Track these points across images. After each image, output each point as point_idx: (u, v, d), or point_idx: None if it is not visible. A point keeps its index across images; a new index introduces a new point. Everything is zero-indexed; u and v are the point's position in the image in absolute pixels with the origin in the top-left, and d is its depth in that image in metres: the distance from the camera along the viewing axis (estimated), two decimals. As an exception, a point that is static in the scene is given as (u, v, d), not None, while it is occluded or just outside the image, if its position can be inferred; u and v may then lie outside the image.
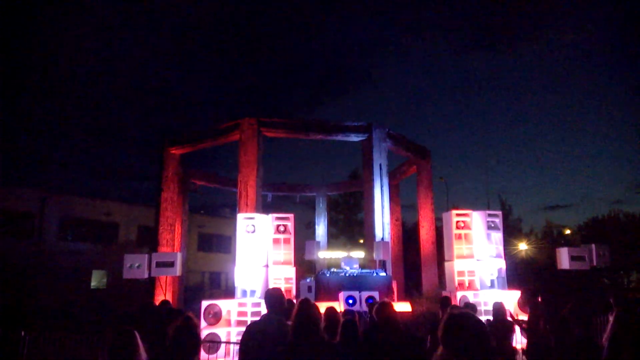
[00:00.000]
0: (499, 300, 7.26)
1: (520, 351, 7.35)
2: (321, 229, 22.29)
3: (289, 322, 3.55)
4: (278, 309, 4.17)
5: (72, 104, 75.99)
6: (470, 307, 7.31)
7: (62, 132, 74.35)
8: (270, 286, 10.16)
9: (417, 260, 17.33)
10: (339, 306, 9.69)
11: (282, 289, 9.44)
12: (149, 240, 23.13)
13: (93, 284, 26.26)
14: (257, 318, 4.78)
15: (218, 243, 33.29)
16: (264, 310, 9.40)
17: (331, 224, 29.28)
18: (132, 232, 28.58)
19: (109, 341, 2.62)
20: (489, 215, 10.88)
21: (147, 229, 26.21)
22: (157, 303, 9.84)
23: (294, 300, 7.30)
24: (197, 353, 2.88)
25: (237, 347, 8.55)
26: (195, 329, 3.06)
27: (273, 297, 4.26)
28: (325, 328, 3.96)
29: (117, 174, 72.72)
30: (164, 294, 10.09)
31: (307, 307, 3.45)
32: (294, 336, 3.28)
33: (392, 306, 4.10)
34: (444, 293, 10.03)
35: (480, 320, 2.21)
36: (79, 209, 25.97)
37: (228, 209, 33.65)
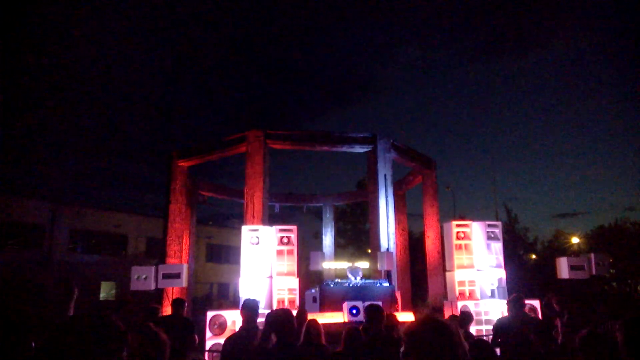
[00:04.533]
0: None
1: None
2: (328, 239, 22.40)
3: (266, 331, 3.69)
4: (253, 322, 4.29)
5: (82, 116, 77.11)
6: (464, 315, 7.39)
7: (73, 144, 75.38)
8: (275, 297, 10.35)
9: (424, 270, 17.38)
10: (343, 317, 9.82)
11: (286, 302, 9.56)
12: (157, 252, 23.41)
13: (102, 295, 26.52)
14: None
15: (227, 254, 33.45)
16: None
17: (339, 234, 29.37)
18: (141, 244, 28.88)
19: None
20: (489, 225, 11.02)
21: (155, 240, 26.50)
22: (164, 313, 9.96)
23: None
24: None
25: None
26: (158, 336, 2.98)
27: (248, 307, 4.35)
28: (304, 338, 4.14)
29: (126, 186, 73.47)
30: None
31: (284, 316, 3.57)
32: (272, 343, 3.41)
33: (380, 310, 4.30)
34: (445, 303, 10.13)
35: (446, 328, 2.00)
36: (88, 220, 26.32)
37: (236, 219, 33.90)
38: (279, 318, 3.49)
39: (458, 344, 1.99)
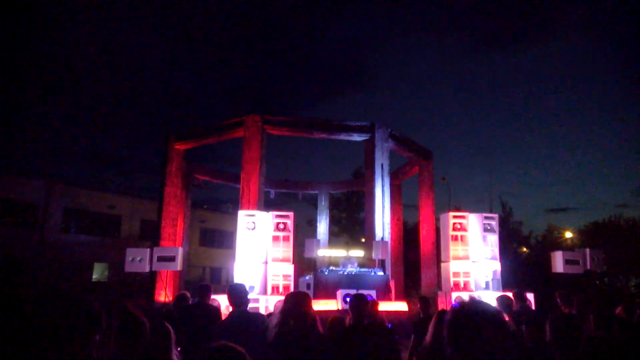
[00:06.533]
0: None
1: None
2: (322, 227, 22.43)
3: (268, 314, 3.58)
4: (244, 304, 4.05)
5: (78, 97, 76.40)
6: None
7: (69, 124, 74.74)
8: (269, 283, 10.33)
9: (418, 260, 17.44)
10: (337, 304, 9.83)
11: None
12: (151, 234, 23.29)
13: (94, 276, 26.41)
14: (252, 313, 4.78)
15: (220, 238, 33.38)
16: (261, 307, 9.59)
17: (333, 222, 29.38)
18: (135, 226, 28.73)
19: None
20: (486, 217, 11.04)
21: (149, 222, 26.33)
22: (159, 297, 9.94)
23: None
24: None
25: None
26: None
27: (238, 291, 4.07)
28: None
29: (122, 167, 73.09)
30: (164, 288, 10.28)
31: (295, 300, 3.42)
32: (280, 328, 3.31)
33: (364, 300, 4.27)
34: (439, 294, 10.14)
35: (491, 310, 1.72)
36: (83, 200, 26.08)
37: (231, 204, 33.77)
38: (295, 302, 3.39)
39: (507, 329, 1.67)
